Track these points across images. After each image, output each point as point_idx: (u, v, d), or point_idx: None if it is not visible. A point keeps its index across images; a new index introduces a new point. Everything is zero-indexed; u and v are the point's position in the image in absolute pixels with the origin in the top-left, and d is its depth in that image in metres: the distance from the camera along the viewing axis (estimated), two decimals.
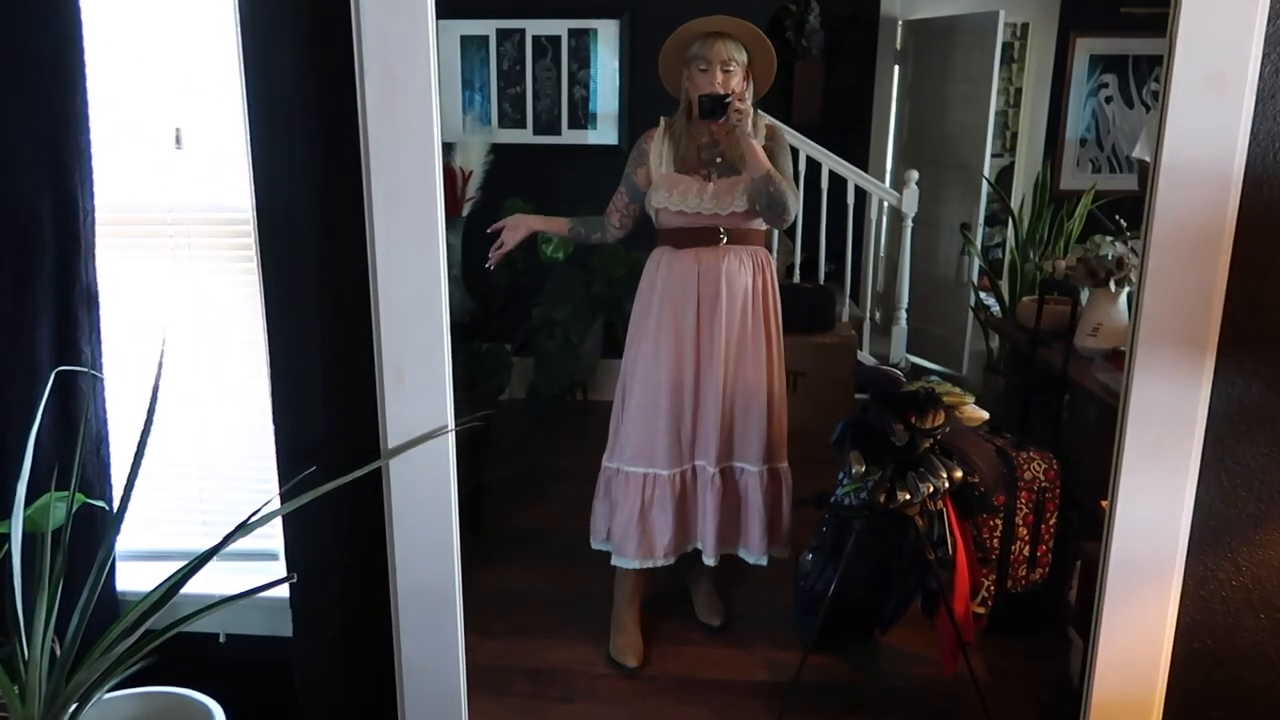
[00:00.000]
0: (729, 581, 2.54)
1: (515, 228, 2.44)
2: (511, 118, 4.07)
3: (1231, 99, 1.40)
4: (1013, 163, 4.31)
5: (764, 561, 2.41)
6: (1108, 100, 3.92)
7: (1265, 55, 1.40)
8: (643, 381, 2.37)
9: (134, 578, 1.92)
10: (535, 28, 4.00)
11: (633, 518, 2.36)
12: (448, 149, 3.29)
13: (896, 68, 4.32)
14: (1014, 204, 3.75)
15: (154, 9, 1.79)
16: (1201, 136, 1.41)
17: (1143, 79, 3.87)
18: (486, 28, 4.03)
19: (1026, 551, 2.37)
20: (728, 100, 2.22)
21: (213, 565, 1.50)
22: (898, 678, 2.34)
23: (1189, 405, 1.48)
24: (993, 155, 4.07)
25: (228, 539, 1.45)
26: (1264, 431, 1.51)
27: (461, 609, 1.70)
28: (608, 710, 2.19)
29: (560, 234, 2.46)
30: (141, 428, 1.52)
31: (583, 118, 4.07)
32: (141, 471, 1.51)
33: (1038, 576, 2.38)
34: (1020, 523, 2.35)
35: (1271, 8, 1.38)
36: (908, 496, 2.01)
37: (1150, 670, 1.58)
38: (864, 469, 2.06)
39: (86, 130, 1.72)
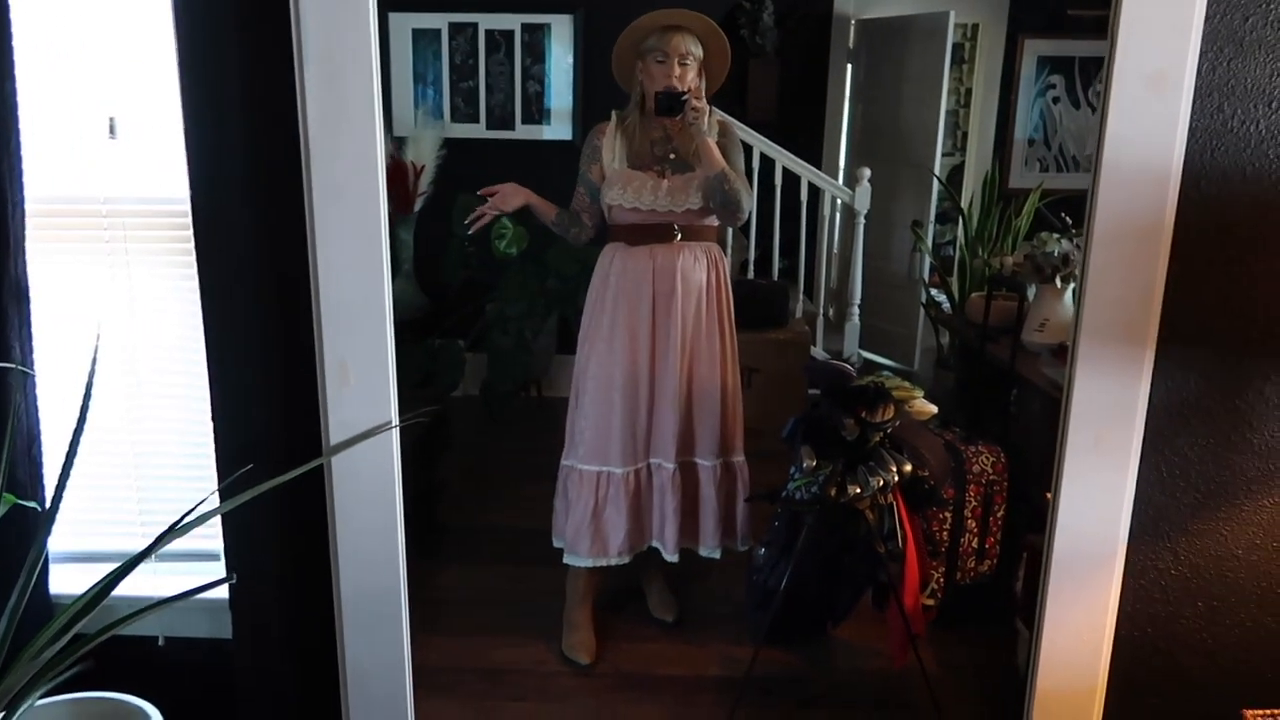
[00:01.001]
0: (683, 578, 2.54)
1: (510, 196, 2.32)
2: (464, 112, 4.04)
3: (1171, 98, 1.42)
4: (963, 161, 4.39)
5: (716, 554, 2.41)
6: (1055, 101, 3.99)
7: (1203, 54, 1.43)
8: (596, 379, 2.35)
9: (71, 581, 1.86)
10: (488, 22, 3.97)
11: (586, 516, 2.34)
12: (400, 143, 3.26)
13: (849, 66, 4.36)
14: (964, 202, 3.80)
15: None
16: (1141, 135, 1.43)
17: (1089, 80, 3.95)
18: (439, 21, 3.99)
19: (975, 544, 2.40)
20: (685, 97, 2.19)
21: (154, 567, 1.46)
22: (849, 671, 2.36)
23: (1129, 398, 1.51)
24: (944, 154, 4.13)
25: (159, 540, 1.41)
26: (1202, 424, 1.54)
27: (407, 609, 1.67)
28: (559, 708, 2.17)
29: (547, 218, 2.38)
30: (74, 425, 1.47)
31: (537, 113, 4.05)
32: (76, 471, 1.46)
33: (986, 569, 2.41)
34: (969, 515, 2.38)
35: (1209, 8, 1.41)
36: (858, 490, 2.02)
37: (1092, 659, 1.60)
38: (815, 463, 2.06)
39: (16, 119, 1.66)
